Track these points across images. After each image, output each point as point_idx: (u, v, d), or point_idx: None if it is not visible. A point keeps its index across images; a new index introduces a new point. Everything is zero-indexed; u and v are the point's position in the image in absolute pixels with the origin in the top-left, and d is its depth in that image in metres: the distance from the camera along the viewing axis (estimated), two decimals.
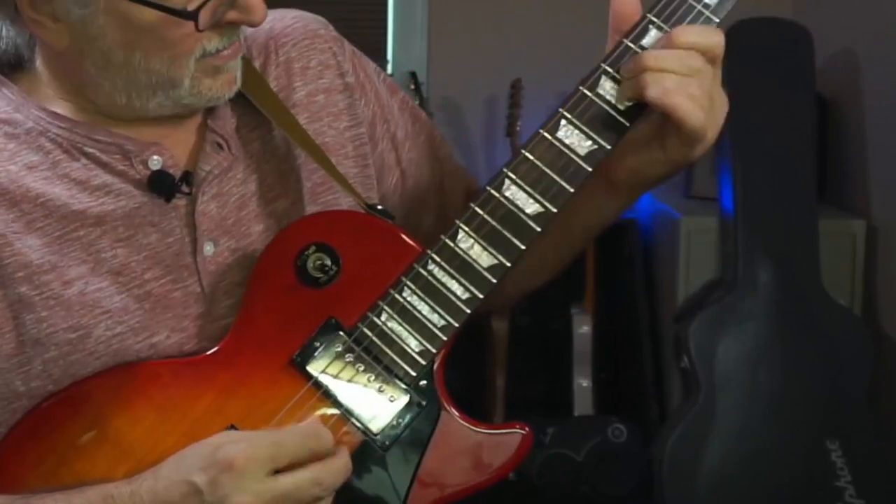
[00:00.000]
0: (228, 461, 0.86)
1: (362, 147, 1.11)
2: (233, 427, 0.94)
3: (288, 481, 0.88)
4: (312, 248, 0.98)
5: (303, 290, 0.98)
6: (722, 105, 0.95)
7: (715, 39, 0.93)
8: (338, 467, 0.91)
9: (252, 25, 0.97)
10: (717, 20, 0.95)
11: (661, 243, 2.98)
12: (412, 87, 3.11)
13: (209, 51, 0.95)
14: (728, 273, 2.57)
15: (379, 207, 1.06)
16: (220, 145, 1.03)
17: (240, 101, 1.06)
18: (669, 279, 2.88)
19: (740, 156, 2.57)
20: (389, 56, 3.30)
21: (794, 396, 2.45)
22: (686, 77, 0.91)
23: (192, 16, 0.88)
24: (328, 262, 0.98)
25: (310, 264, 0.98)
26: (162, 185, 0.99)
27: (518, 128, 2.97)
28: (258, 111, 1.07)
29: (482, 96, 3.29)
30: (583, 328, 2.79)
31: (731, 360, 2.44)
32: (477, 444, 0.98)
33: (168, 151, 1.00)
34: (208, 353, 0.99)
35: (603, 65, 0.96)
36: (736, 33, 2.40)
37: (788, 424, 2.44)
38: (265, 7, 0.95)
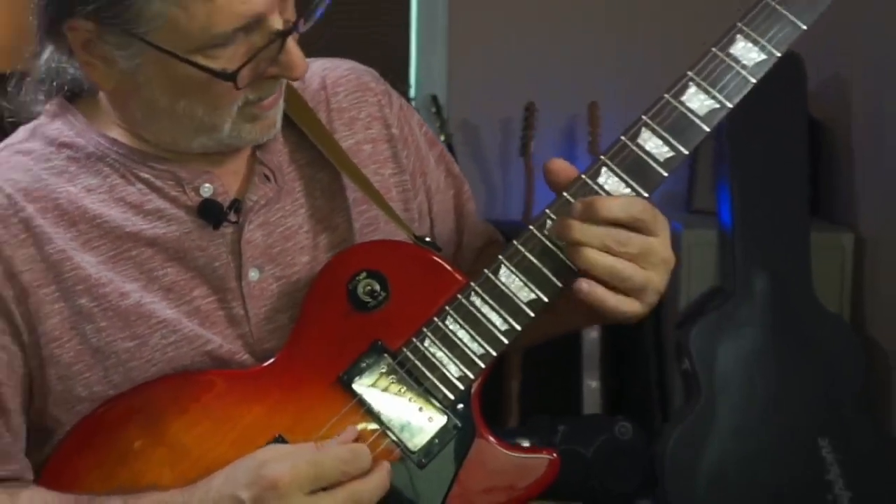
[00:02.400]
0: (273, 480, 0.87)
1: (405, 193, 1.11)
2: (280, 437, 0.96)
3: (327, 501, 0.89)
4: (364, 274, 0.99)
5: (352, 313, 0.99)
6: (666, 265, 0.94)
7: (635, 210, 0.92)
8: (374, 485, 0.92)
9: (292, 80, 0.98)
10: (755, 81, 0.96)
11: None
12: (433, 110, 3.18)
13: (251, 100, 0.96)
14: (726, 282, 2.64)
15: (427, 239, 1.07)
16: (267, 177, 1.04)
17: (293, 136, 1.07)
18: (671, 287, 2.85)
19: (738, 173, 2.64)
20: (412, 80, 3.38)
21: (788, 397, 2.50)
22: (612, 258, 0.90)
23: (232, 77, 0.90)
24: (377, 288, 0.98)
25: (360, 289, 0.98)
26: (211, 213, 1.00)
27: (531, 148, 3.07)
28: (310, 148, 1.08)
29: (498, 118, 3.35)
30: (591, 334, 2.78)
31: (730, 363, 2.50)
32: (507, 467, 0.99)
33: (219, 179, 1.02)
34: (262, 366, 1.00)
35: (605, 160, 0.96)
36: None
37: (783, 424, 2.48)
38: (306, 64, 0.96)
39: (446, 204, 1.17)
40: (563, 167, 0.98)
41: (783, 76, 2.79)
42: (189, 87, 0.92)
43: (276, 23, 0.90)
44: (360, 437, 0.95)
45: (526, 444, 2.35)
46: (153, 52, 0.90)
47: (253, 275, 1.01)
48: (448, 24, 3.39)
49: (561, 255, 0.95)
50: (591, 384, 2.83)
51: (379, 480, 0.91)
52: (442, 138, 3.18)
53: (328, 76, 1.12)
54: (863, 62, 2.84)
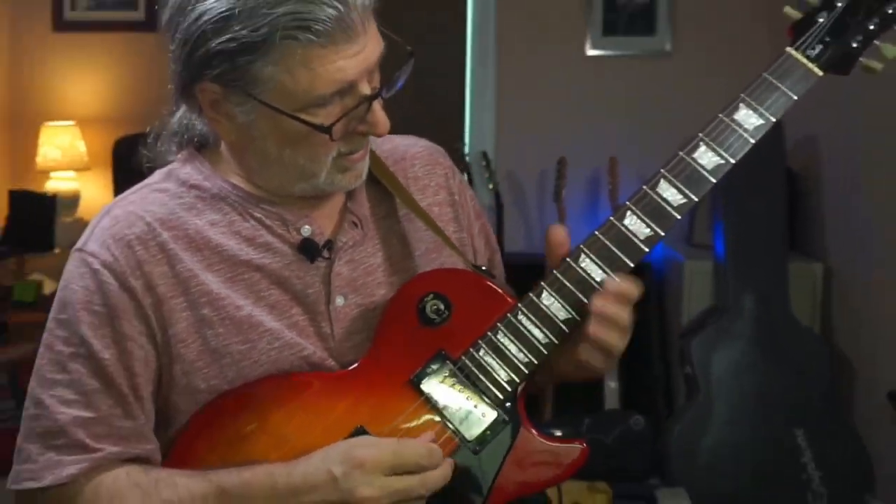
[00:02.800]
0: (360, 460, 0.91)
1: (463, 247, 1.15)
2: (361, 427, 0.98)
3: (402, 483, 0.92)
4: (431, 296, 1.01)
5: (421, 327, 1.01)
6: (625, 341, 0.99)
7: (634, 293, 0.98)
8: (440, 476, 0.94)
9: (377, 136, 1.00)
10: (754, 141, 0.98)
11: (670, 280, 3.19)
12: (484, 163, 3.45)
13: (343, 152, 0.98)
14: (720, 302, 2.83)
15: (483, 268, 1.11)
16: (355, 224, 1.07)
17: (376, 194, 1.10)
18: (675, 307, 3.07)
19: (730, 214, 2.84)
20: (467, 140, 3.67)
21: (770, 395, 2.66)
22: (614, 322, 0.96)
23: (328, 130, 0.92)
24: (442, 307, 1.01)
25: (428, 308, 1.01)
26: (308, 250, 1.02)
27: (563, 194, 3.30)
28: (389, 205, 1.11)
29: (536, 170, 3.65)
30: None
31: (724, 367, 2.68)
32: (546, 454, 1.00)
33: (316, 223, 1.04)
34: (346, 370, 1.02)
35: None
36: None
37: (766, 417, 2.64)
38: (388, 123, 0.98)
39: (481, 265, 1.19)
40: (561, 238, 1.02)
41: (766, 135, 2.41)
42: (293, 139, 0.95)
43: (365, 89, 0.94)
44: (425, 428, 0.98)
45: (559, 433, 2.50)
46: (265, 109, 0.93)
47: (339, 301, 1.04)
48: (495, 97, 3.71)
49: (592, 283, 0.98)
50: (611, 385, 2.97)
51: (444, 472, 0.94)
52: (490, 186, 3.38)
53: (408, 151, 1.16)
54: (831, 124, 2.97)
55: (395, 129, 1.11)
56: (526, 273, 1.16)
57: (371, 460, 0.91)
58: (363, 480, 0.90)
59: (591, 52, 3.66)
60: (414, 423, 0.99)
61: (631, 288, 0.96)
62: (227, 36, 0.90)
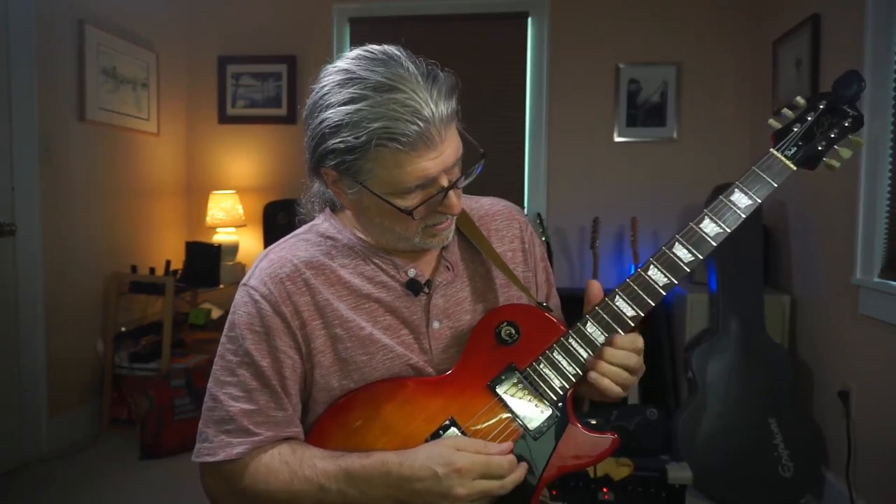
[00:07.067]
0: (458, 467, 0.93)
1: (529, 282, 1.16)
2: (452, 419, 1.00)
3: (487, 485, 0.96)
4: (505, 323, 1.04)
5: (497, 346, 1.03)
6: (641, 372, 0.99)
7: (639, 344, 0.99)
8: (516, 479, 0.97)
9: (451, 216, 1.00)
10: (745, 216, 0.99)
11: (677, 308, 3.33)
12: (538, 221, 3.67)
13: (430, 224, 1.01)
14: (713, 324, 3.01)
15: (543, 304, 1.09)
16: (448, 267, 1.10)
17: (464, 243, 1.12)
18: (681, 328, 3.23)
19: (720, 260, 3.03)
20: (526, 204, 3.85)
21: (750, 394, 2.80)
22: (622, 369, 0.97)
23: (409, 213, 0.95)
24: (513, 332, 1.03)
25: (502, 332, 1.03)
26: (413, 287, 1.06)
27: (597, 244, 3.52)
28: (474, 251, 1.13)
29: (577, 226, 3.89)
30: None
31: (716, 373, 2.84)
32: (587, 442, 1.02)
33: (419, 267, 1.07)
34: (441, 376, 1.05)
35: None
36: (716, 192, 2.44)
37: (746, 409, 2.77)
38: (460, 206, 0.99)
39: (542, 297, 1.22)
40: (598, 291, 1.02)
41: None
42: (388, 214, 0.99)
43: (443, 181, 0.96)
44: (498, 421, 1.00)
45: (593, 422, 2.65)
46: (367, 191, 0.96)
47: (436, 325, 1.06)
48: (547, 173, 3.91)
49: (624, 317, 0.99)
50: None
51: (519, 476, 0.98)
52: (543, 238, 3.46)
53: (492, 209, 1.19)
54: (795, 194, 3.10)
55: (478, 193, 1.16)
56: (569, 302, 1.24)
57: (466, 467, 0.94)
58: (458, 482, 0.94)
59: (617, 139, 3.84)
60: (491, 417, 1.01)
61: (630, 342, 0.99)
62: (339, 139, 0.93)
